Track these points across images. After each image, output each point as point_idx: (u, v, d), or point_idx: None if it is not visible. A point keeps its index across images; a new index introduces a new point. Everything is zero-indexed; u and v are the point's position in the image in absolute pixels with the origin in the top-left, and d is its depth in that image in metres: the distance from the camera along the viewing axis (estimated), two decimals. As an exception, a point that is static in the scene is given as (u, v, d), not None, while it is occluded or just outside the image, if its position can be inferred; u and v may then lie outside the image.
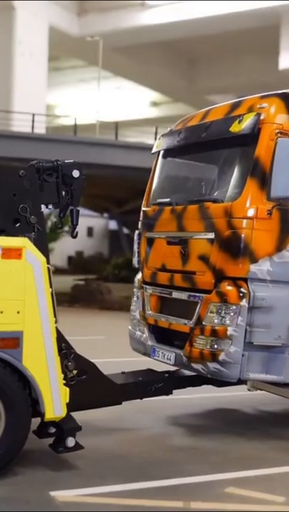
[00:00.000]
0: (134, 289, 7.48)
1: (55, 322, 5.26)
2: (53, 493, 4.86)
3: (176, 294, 6.71)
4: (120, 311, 20.35)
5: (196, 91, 47.72)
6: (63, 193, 5.66)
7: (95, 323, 18.51)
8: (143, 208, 7.49)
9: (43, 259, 5.12)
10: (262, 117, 6.10)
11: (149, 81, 48.10)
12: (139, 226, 7.50)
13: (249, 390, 7.41)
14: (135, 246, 7.49)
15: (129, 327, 7.48)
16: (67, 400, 5.23)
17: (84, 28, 39.56)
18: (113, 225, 58.70)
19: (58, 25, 39.00)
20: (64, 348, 5.47)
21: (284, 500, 4.98)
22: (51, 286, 5.21)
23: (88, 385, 5.74)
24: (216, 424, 7.22)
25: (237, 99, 6.86)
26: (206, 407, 7.83)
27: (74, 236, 5.79)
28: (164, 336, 6.91)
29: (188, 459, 5.86)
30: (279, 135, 6.04)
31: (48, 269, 5.20)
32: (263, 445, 6.37)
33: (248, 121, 6.13)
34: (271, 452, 6.15)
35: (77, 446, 5.37)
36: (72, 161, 5.78)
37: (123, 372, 6.66)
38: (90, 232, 61.18)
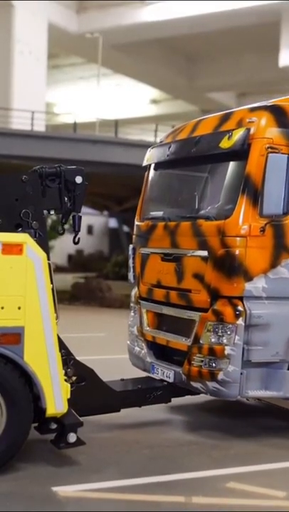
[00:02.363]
0: (131, 304, 7.44)
1: (56, 318, 5.27)
2: (54, 489, 4.89)
3: (172, 311, 6.66)
4: (120, 308, 20.34)
5: (196, 88, 47.63)
6: (66, 198, 5.66)
7: (95, 321, 18.51)
8: (136, 223, 7.43)
9: (44, 254, 5.13)
10: (251, 132, 6.00)
11: (149, 78, 48.01)
12: (133, 241, 7.45)
13: (248, 400, 7.44)
14: (130, 261, 7.42)
15: (128, 342, 7.45)
16: (68, 396, 5.24)
17: (83, 25, 39.46)
18: (113, 223, 58.63)
19: (57, 23, 38.88)
20: (63, 354, 5.47)
21: (285, 495, 5.01)
22: (52, 282, 5.22)
23: (87, 391, 5.77)
24: (217, 419, 7.24)
25: (226, 111, 6.78)
26: (206, 403, 7.83)
27: (76, 242, 5.75)
28: (162, 352, 6.89)
29: (189, 455, 5.89)
30: (269, 150, 5.94)
31: (49, 265, 5.21)
32: (263, 440, 6.38)
33: (237, 137, 6.04)
34: (272, 448, 6.17)
35: (79, 442, 5.39)
36: (74, 166, 5.76)
37: (122, 380, 6.68)
38: (90, 230, 61.09)
